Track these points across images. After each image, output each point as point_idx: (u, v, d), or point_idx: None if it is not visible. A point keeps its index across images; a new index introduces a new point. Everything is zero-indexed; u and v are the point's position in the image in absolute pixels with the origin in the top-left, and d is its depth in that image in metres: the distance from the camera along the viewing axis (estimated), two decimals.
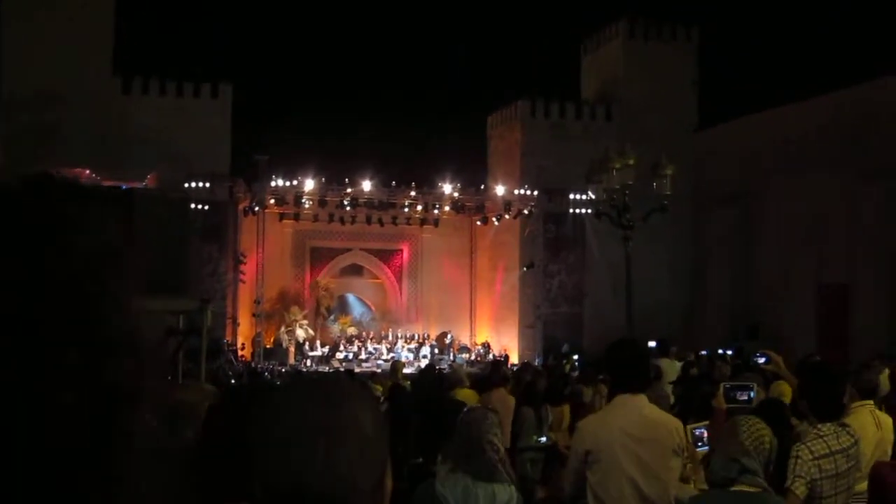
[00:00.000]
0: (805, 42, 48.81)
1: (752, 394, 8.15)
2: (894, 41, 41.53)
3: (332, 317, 41.76)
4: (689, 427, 8.54)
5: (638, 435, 5.50)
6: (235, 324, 37.18)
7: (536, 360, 34.47)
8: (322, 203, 37.69)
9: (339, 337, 40.22)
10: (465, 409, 5.97)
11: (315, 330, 39.83)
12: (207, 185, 35.12)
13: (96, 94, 35.41)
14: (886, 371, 12.68)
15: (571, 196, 38.15)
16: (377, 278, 43.74)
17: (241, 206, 37.33)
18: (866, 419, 7.41)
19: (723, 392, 8.34)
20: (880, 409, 8.35)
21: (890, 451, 7.79)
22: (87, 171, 29.53)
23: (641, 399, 5.66)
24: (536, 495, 10.59)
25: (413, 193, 38.82)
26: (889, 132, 32.03)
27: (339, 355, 37.66)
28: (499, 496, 5.22)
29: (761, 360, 9.23)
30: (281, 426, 1.66)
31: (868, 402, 7.92)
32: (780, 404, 8.45)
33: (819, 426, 5.89)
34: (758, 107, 38.60)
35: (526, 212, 39.34)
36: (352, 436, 1.60)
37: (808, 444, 5.78)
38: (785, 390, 9.93)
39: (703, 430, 8.44)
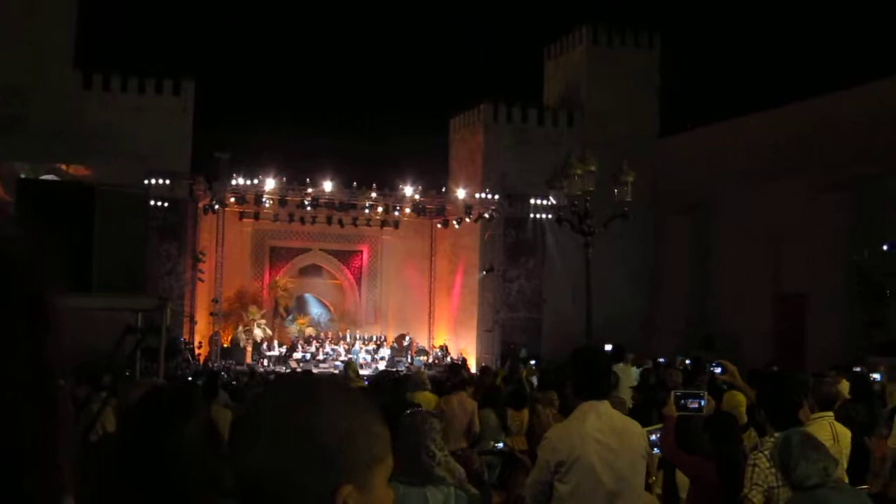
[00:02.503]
0: (766, 52, 49.26)
1: (702, 402, 8.21)
2: (854, 54, 41.95)
3: (290, 317, 41.67)
4: (646, 430, 8.60)
5: (610, 443, 5.49)
6: (193, 322, 36.96)
7: (494, 365, 34.51)
8: (282, 203, 37.55)
9: (296, 337, 40.13)
10: (406, 414, 5.94)
11: (273, 330, 39.72)
12: (167, 182, 34.86)
13: (56, 88, 35.14)
14: (844, 381, 12.81)
15: (532, 201, 38.23)
16: (336, 279, 43.67)
17: (200, 205, 37.10)
18: (824, 432, 7.44)
19: (674, 400, 8.39)
20: (838, 419, 8.41)
21: (846, 464, 7.83)
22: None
23: (606, 405, 5.67)
24: (493, 500, 10.58)
25: (374, 195, 38.76)
26: (847, 144, 32.32)
27: (297, 355, 37.56)
28: (431, 499, 5.20)
29: (717, 370, 9.31)
30: (244, 424, 1.67)
31: (827, 413, 7.97)
32: (730, 418, 8.52)
33: (776, 435, 5.91)
34: (718, 116, 38.86)
35: (486, 216, 39.37)
36: (299, 440, 1.59)
37: (766, 452, 5.80)
38: (740, 399, 10.01)
39: (657, 436, 8.49)
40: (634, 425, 5.88)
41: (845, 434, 8.03)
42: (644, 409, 10.73)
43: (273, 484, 1.57)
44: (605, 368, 5.88)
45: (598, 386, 5.69)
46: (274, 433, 1.60)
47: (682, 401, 8.31)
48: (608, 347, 17.13)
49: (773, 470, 5.70)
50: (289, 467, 1.57)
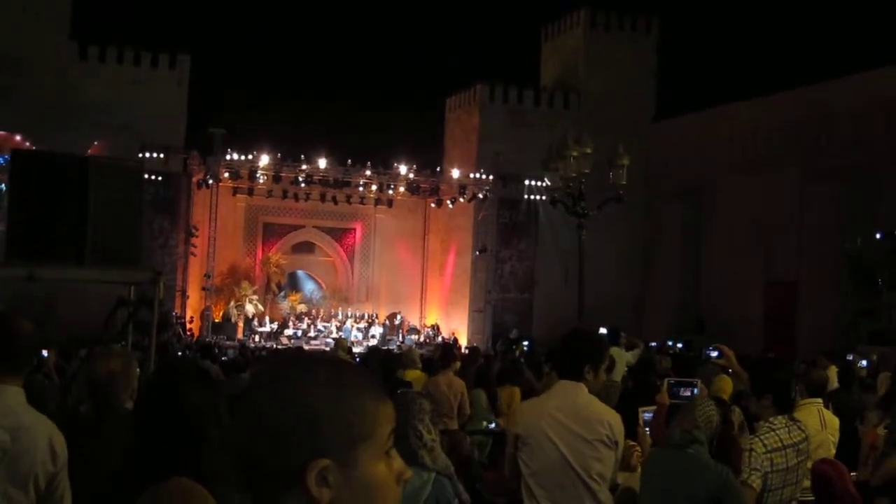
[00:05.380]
0: (762, 40, 49.23)
1: (695, 390, 8.23)
2: (849, 44, 41.94)
3: (282, 293, 41.68)
4: (641, 410, 8.62)
5: (569, 423, 5.48)
6: (185, 297, 36.95)
7: (485, 345, 34.60)
8: (276, 179, 37.49)
9: (288, 314, 40.15)
10: (397, 393, 5.95)
11: (264, 306, 39.72)
12: (161, 156, 34.81)
13: (51, 59, 35.02)
14: (833, 368, 12.85)
15: (526, 182, 38.22)
16: (329, 256, 43.66)
17: (194, 179, 37.04)
18: (812, 418, 7.46)
19: (666, 388, 8.41)
20: (827, 407, 8.43)
21: (833, 452, 7.86)
22: (18, 137, 29.26)
23: (579, 387, 5.63)
24: (482, 478, 10.61)
25: (368, 173, 38.69)
26: (840, 134, 32.37)
27: (288, 332, 37.60)
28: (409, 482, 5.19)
29: (714, 354, 9.32)
30: (244, 400, 1.68)
31: (816, 400, 7.98)
32: (721, 403, 8.54)
33: (771, 419, 5.93)
34: (713, 102, 38.85)
35: (480, 196, 39.37)
36: (273, 417, 1.61)
37: (762, 437, 5.82)
38: (725, 385, 10.05)
39: (651, 415, 8.52)
40: (605, 412, 5.73)
41: (833, 420, 8.06)
42: (641, 394, 10.75)
43: (252, 458, 1.60)
44: (585, 351, 5.83)
45: (572, 367, 5.67)
46: (253, 409, 1.63)
47: (675, 389, 8.34)
48: (603, 331, 17.14)
49: (769, 455, 5.72)
50: (259, 441, 1.59)
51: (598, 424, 5.60)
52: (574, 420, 5.51)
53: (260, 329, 37.80)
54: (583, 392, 5.67)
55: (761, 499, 5.75)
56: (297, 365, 1.71)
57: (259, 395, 1.64)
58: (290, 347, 30.06)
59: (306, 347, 30.51)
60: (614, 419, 5.69)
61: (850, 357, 18.37)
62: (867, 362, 18.38)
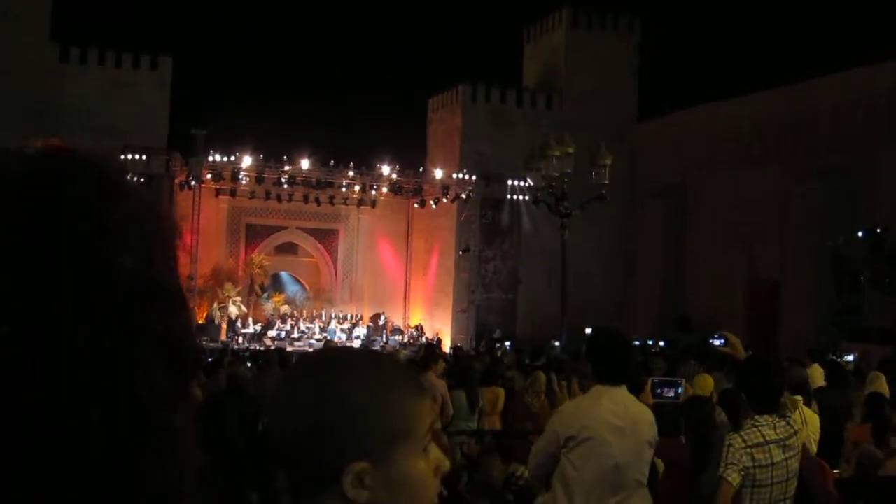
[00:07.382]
0: (744, 40, 49.38)
1: (679, 390, 8.23)
2: (830, 43, 42.08)
3: (265, 294, 41.54)
4: None
5: (622, 426, 5.50)
6: None
7: (469, 345, 34.57)
8: (259, 180, 37.38)
9: (272, 315, 40.01)
10: None
11: (248, 307, 39.57)
12: (143, 157, 34.67)
13: (32, 61, 34.87)
14: (816, 366, 12.86)
15: (509, 182, 38.19)
16: (312, 257, 43.59)
17: (177, 180, 36.92)
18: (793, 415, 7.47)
19: (650, 387, 8.41)
20: (809, 405, 8.44)
21: (815, 449, 7.87)
22: None
23: (623, 390, 5.66)
24: (464, 479, 10.60)
25: (351, 173, 38.65)
26: (822, 132, 32.45)
27: (272, 333, 37.43)
28: None
29: (718, 342, 9.32)
30: (283, 394, 1.69)
31: (797, 398, 7.99)
32: (704, 402, 8.53)
33: (756, 417, 5.94)
34: (695, 101, 38.93)
35: (463, 196, 39.31)
36: (308, 412, 1.61)
37: (742, 433, 5.83)
38: (708, 383, 10.06)
39: None
40: (646, 412, 5.88)
41: (813, 418, 8.08)
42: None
43: (289, 452, 1.59)
44: (625, 354, 5.86)
45: (616, 371, 5.68)
46: (294, 405, 1.62)
47: (659, 389, 8.34)
48: (588, 330, 17.14)
49: (748, 450, 5.73)
50: (299, 438, 1.58)
51: (648, 426, 5.66)
52: (631, 424, 5.54)
53: (243, 330, 37.64)
54: (625, 394, 5.70)
55: (749, 495, 5.75)
56: (337, 360, 1.72)
57: (300, 391, 1.64)
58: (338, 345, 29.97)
59: (290, 349, 30.43)
60: (653, 419, 5.76)
61: (840, 358, 18.37)
62: (853, 357, 18.46)
